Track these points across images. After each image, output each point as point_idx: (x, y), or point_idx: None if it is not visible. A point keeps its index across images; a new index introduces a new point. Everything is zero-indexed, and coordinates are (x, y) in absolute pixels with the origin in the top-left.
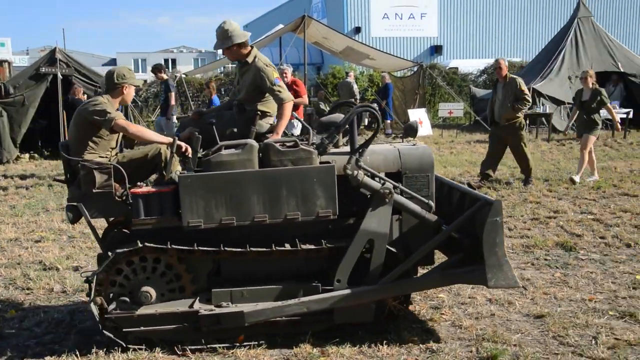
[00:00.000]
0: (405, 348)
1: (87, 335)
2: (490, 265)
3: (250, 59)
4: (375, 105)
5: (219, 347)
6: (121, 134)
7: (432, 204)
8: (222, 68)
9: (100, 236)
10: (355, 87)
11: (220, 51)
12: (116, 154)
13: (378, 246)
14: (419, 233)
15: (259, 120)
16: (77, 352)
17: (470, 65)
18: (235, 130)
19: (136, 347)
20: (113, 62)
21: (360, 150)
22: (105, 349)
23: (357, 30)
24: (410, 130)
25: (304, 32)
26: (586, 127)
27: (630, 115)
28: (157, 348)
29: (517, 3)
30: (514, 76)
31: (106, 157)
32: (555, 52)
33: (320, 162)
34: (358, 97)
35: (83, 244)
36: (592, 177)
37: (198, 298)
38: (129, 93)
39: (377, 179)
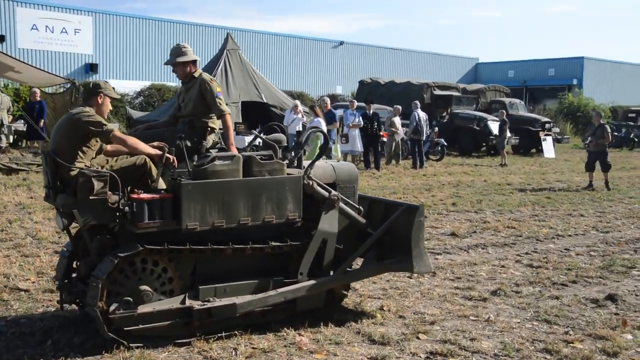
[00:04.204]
0: None
1: None
2: (415, 255)
3: (196, 75)
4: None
5: None
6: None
7: (362, 208)
8: None
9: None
10: (5, 99)
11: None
12: (98, 163)
13: (330, 243)
14: (347, 232)
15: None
16: None
17: (127, 86)
18: (189, 144)
19: (138, 345)
20: None
21: (311, 165)
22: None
23: (1, 39)
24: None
25: None
26: None
27: None
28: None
29: (172, 29)
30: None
31: (92, 165)
32: None
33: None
34: (11, 109)
35: None
36: None
37: (187, 295)
38: (104, 104)
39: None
